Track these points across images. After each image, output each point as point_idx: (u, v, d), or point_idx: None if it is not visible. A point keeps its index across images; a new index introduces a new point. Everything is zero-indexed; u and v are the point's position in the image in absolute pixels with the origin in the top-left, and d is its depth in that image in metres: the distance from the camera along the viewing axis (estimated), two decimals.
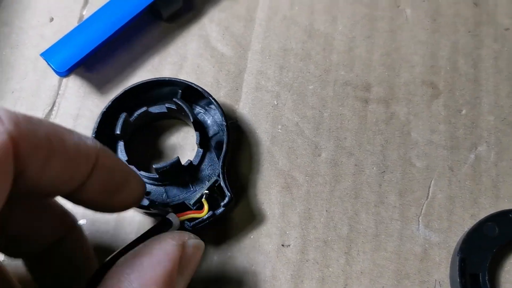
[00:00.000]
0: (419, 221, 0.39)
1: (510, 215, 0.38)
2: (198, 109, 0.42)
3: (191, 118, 0.39)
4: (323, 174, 0.41)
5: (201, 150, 0.40)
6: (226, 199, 0.37)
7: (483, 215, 0.39)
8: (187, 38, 0.46)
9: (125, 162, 0.39)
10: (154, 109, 0.41)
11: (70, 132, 0.27)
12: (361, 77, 0.44)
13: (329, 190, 0.40)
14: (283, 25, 0.46)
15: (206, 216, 0.36)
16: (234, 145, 0.41)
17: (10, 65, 0.45)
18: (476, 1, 0.46)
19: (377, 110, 0.42)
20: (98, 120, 0.39)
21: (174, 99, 0.40)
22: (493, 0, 0.46)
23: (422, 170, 0.41)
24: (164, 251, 0.30)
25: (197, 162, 0.39)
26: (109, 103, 0.40)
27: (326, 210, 0.40)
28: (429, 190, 0.40)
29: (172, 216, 0.34)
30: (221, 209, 0.37)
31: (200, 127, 0.40)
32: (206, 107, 0.42)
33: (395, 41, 0.45)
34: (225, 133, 0.39)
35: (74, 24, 0.46)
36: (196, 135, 0.39)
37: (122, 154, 0.40)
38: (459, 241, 0.38)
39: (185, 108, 0.39)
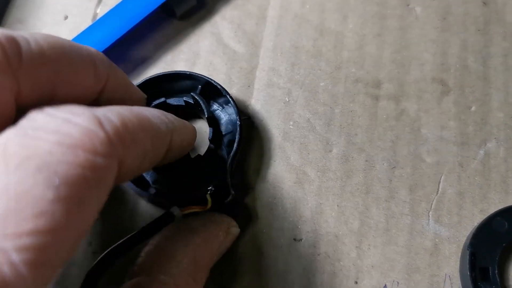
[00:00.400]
0: (429, 216, 0.40)
1: None
2: (215, 106, 0.42)
3: (206, 113, 0.39)
4: (334, 170, 0.41)
5: (212, 146, 0.40)
6: (230, 197, 0.38)
7: (492, 210, 0.39)
8: (199, 36, 0.47)
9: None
10: (172, 101, 0.42)
11: (151, 121, 0.27)
12: (372, 74, 0.44)
13: (340, 185, 0.41)
14: (295, 23, 0.46)
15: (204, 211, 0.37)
16: (246, 142, 0.42)
17: None
18: (485, 0, 0.47)
19: (388, 106, 0.43)
20: None
21: (192, 94, 0.41)
22: None
23: (432, 165, 0.41)
24: (216, 234, 0.34)
25: (206, 157, 0.40)
26: None
27: (337, 205, 0.40)
28: (439, 186, 0.40)
29: (175, 210, 0.35)
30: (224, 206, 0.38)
31: (214, 123, 0.40)
32: (224, 105, 0.42)
33: (405, 39, 0.45)
34: (238, 132, 0.40)
35: (88, 22, 0.47)
36: (210, 131, 0.40)
37: None
38: (469, 236, 0.38)
39: (201, 103, 0.40)
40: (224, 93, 0.41)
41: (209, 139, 0.40)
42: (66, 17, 0.48)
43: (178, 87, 0.42)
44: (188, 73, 0.41)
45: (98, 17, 0.47)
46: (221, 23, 0.47)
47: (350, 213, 0.40)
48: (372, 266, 0.38)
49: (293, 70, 0.45)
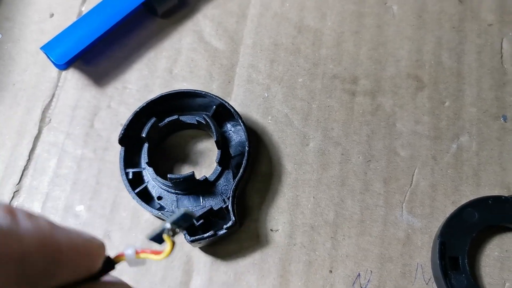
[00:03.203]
0: (402, 208, 0.41)
1: (490, 202, 0.39)
2: (229, 126, 0.43)
3: (215, 137, 0.40)
4: (311, 163, 0.42)
5: (219, 168, 0.41)
6: (230, 222, 0.38)
7: (464, 202, 0.40)
8: (181, 33, 0.48)
9: (146, 164, 0.40)
10: (185, 119, 0.42)
11: None
12: (349, 71, 0.45)
13: (317, 178, 0.42)
14: (274, 21, 0.48)
15: (207, 235, 0.37)
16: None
17: (12, 58, 0.47)
18: None
19: (364, 102, 0.44)
20: (131, 118, 0.41)
21: (204, 115, 0.41)
22: None
23: (406, 159, 0.42)
24: None
25: (213, 179, 0.41)
26: (144, 104, 0.41)
27: (313, 197, 0.41)
28: (412, 178, 0.42)
29: (129, 251, 0.26)
30: (223, 231, 0.38)
31: (223, 146, 0.41)
32: (236, 127, 0.43)
33: (382, 36, 0.47)
34: (245, 158, 0.40)
35: (74, 19, 0.48)
36: (218, 154, 0.41)
37: (144, 156, 0.41)
38: (440, 226, 0.39)
39: (212, 127, 0.40)
40: (236, 117, 0.41)
41: (216, 162, 0.41)
42: (52, 15, 0.49)
43: (192, 104, 0.43)
44: (203, 93, 0.42)
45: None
46: (203, 21, 0.48)
47: (326, 204, 0.41)
48: (346, 256, 0.39)
49: (272, 67, 0.46)
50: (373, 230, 0.40)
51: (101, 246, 0.24)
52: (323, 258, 0.39)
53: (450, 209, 0.40)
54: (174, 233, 0.25)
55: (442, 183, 0.41)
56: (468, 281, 0.37)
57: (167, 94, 0.42)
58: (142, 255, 0.25)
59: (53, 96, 0.45)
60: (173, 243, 0.25)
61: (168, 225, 0.25)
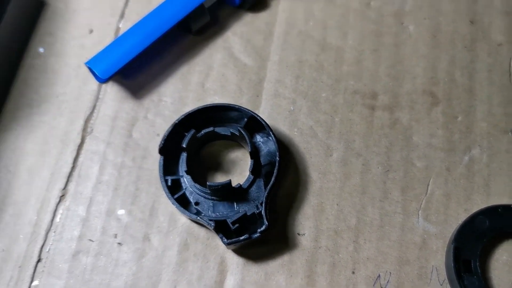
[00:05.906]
0: (418, 215, 0.44)
1: (500, 210, 0.43)
2: (258, 137, 0.47)
3: (249, 148, 0.43)
4: (334, 172, 0.46)
5: (252, 176, 0.44)
6: (263, 227, 0.42)
7: (475, 209, 0.43)
8: (212, 50, 0.51)
9: (184, 172, 0.44)
10: (220, 130, 0.46)
11: None
12: (369, 87, 0.49)
13: (340, 186, 0.45)
14: (299, 39, 0.51)
15: (242, 237, 0.41)
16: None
17: (55, 72, 0.51)
18: (472, 19, 0.51)
19: (383, 116, 0.48)
20: (170, 129, 0.44)
21: (238, 128, 0.45)
22: (488, 19, 0.51)
23: (422, 169, 0.46)
24: None
25: (246, 186, 0.44)
26: (182, 116, 0.45)
27: (337, 204, 0.45)
28: (428, 187, 0.45)
29: None
30: (257, 234, 0.41)
31: (255, 156, 0.44)
32: (266, 138, 0.46)
33: (399, 54, 0.50)
34: (276, 167, 0.44)
35: (112, 35, 0.52)
36: (251, 163, 0.44)
37: (182, 165, 0.45)
38: (454, 232, 0.43)
39: (246, 138, 0.44)
40: (267, 129, 0.45)
41: (249, 171, 0.44)
42: (91, 31, 0.52)
43: (226, 117, 0.47)
44: (237, 106, 0.46)
45: (120, 31, 0.52)
46: (232, 38, 0.52)
47: (348, 211, 0.44)
48: (367, 258, 0.43)
49: (298, 82, 0.49)
50: (392, 235, 0.44)
51: None
52: (346, 260, 0.43)
53: (463, 217, 0.44)
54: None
55: (455, 192, 0.45)
56: (479, 282, 0.40)
57: (203, 108, 0.45)
58: None
59: (94, 107, 0.49)
60: None
61: None
